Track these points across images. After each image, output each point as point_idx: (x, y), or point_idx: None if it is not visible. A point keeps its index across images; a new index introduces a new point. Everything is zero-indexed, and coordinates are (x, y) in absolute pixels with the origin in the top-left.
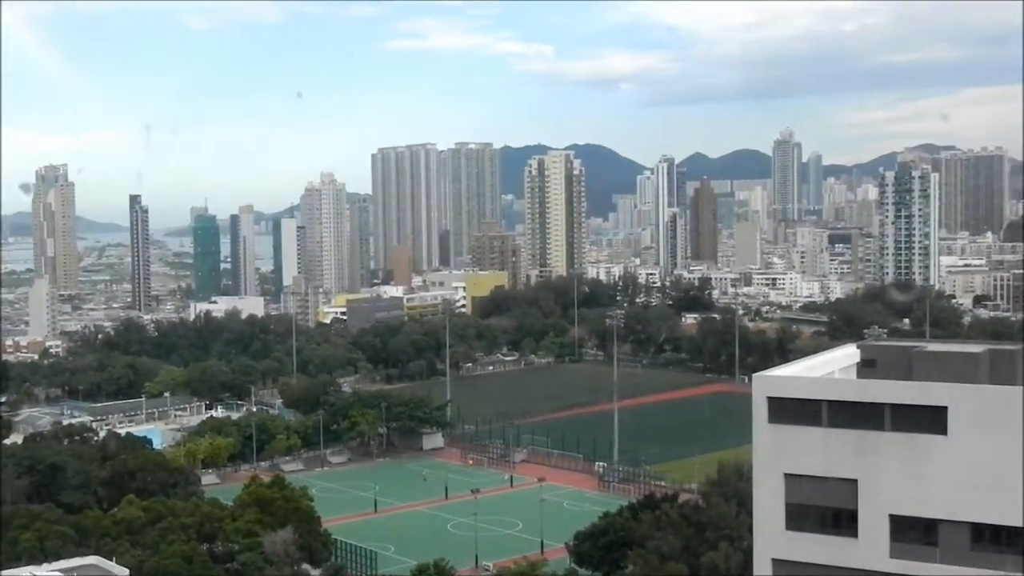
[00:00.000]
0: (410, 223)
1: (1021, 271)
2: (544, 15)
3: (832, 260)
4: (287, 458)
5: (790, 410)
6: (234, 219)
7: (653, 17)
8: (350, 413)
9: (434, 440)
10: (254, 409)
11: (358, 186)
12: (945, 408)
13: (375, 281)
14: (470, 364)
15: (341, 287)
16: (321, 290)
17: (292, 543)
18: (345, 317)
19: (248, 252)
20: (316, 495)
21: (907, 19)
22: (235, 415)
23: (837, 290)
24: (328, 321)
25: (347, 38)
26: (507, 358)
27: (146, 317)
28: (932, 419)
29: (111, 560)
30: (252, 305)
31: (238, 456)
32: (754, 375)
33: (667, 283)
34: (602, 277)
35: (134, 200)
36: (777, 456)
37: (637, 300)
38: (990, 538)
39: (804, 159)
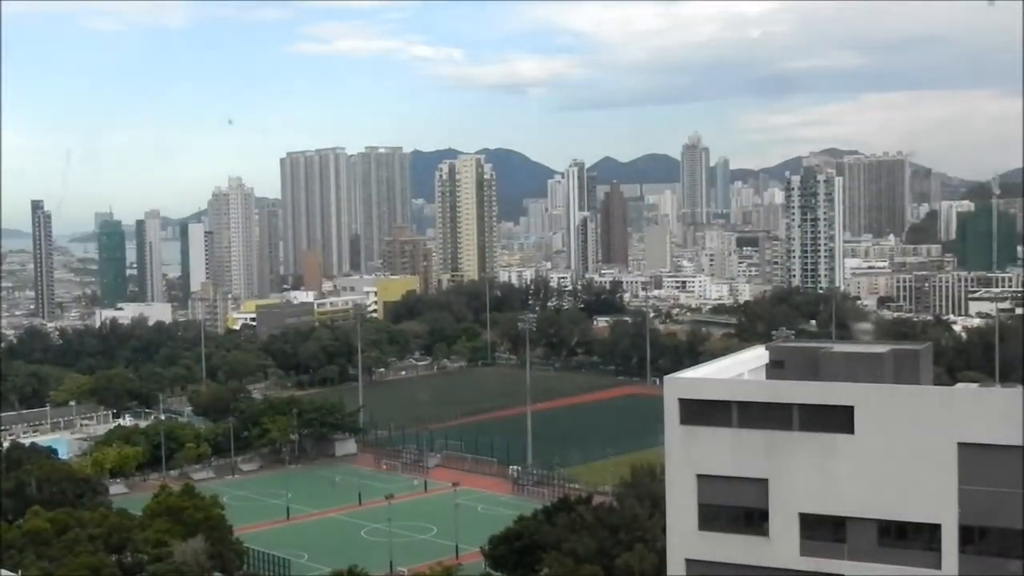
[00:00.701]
0: (320, 228)
1: (923, 273)
2: (452, 19)
3: (740, 263)
4: (197, 466)
5: (701, 411)
6: (140, 224)
7: (561, 22)
8: (261, 420)
9: (347, 446)
10: (163, 417)
11: (267, 191)
12: (852, 407)
13: (285, 286)
14: (382, 369)
15: (250, 293)
16: (230, 296)
17: (203, 552)
18: (255, 323)
19: (155, 258)
20: (227, 503)
21: (811, 26)
22: (143, 423)
23: (746, 292)
24: (237, 327)
25: (254, 41)
26: (419, 363)
27: (50, 324)
28: (839, 418)
29: (16, 573)
30: (159, 312)
31: (147, 465)
32: (665, 377)
33: (579, 286)
34: (514, 281)
35: (36, 205)
36: (689, 457)
37: (549, 304)
38: (896, 534)
39: (712, 163)
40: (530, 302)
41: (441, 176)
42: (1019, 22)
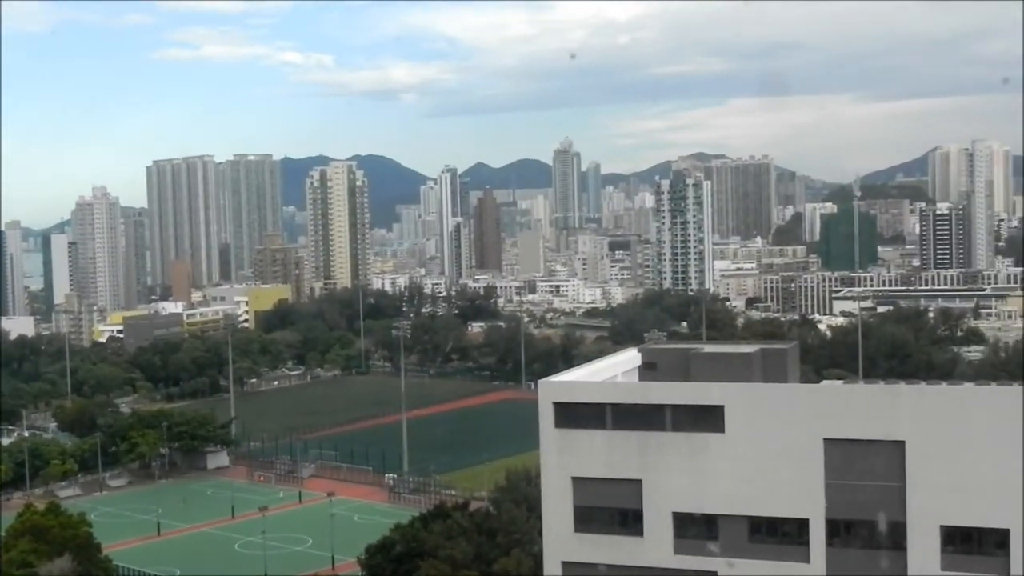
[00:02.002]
0: (188, 237)
1: (789, 273)
2: (322, 25)
3: (613, 266)
4: (63, 483)
5: (575, 414)
6: None
7: (432, 28)
8: (129, 434)
9: (219, 459)
10: (26, 434)
11: (133, 200)
12: (722, 407)
13: (153, 297)
14: (255, 380)
15: (117, 304)
16: (95, 308)
17: (70, 572)
18: (122, 335)
19: (16, 269)
20: (95, 520)
21: (678, 32)
22: (6, 440)
23: (618, 295)
24: (104, 340)
25: (120, 47)
26: (293, 372)
27: None
28: (710, 418)
29: None
30: (21, 325)
31: (10, 483)
32: (540, 381)
33: (453, 292)
34: (387, 288)
35: None
36: (564, 460)
37: (423, 310)
38: (767, 530)
39: (583, 168)
40: (404, 309)
41: (312, 183)
42: (870, 28)
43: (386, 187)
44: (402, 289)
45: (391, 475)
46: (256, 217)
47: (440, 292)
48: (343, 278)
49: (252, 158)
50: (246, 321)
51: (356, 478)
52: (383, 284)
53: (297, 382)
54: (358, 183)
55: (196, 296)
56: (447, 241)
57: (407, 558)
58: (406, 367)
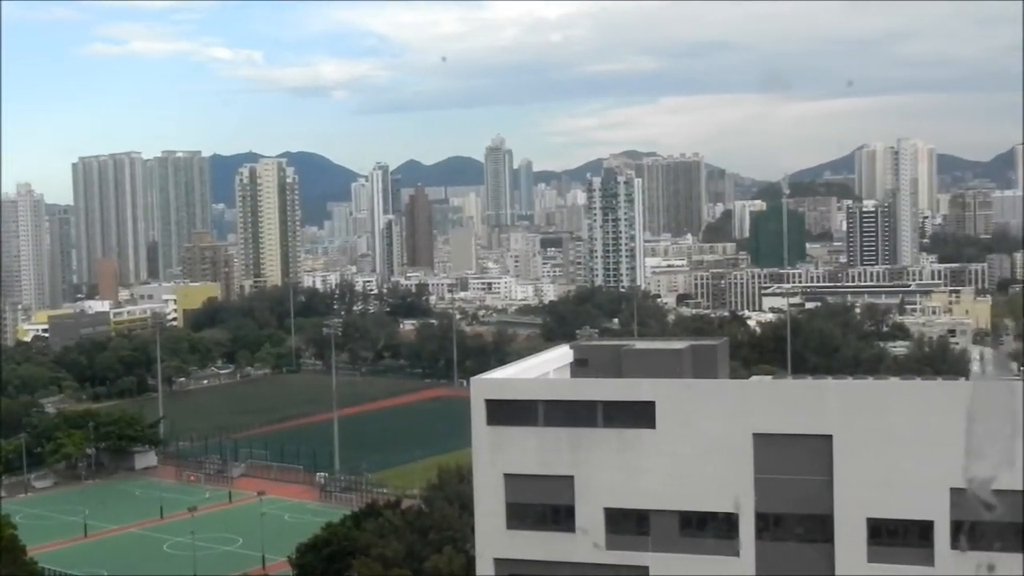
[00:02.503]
0: (115, 235)
1: (719, 270)
2: (251, 21)
3: (545, 264)
4: None
5: (508, 411)
6: None
7: (363, 25)
8: (55, 435)
9: (147, 458)
10: None
11: (59, 197)
12: (653, 403)
13: (79, 296)
14: (183, 379)
15: (42, 303)
16: (20, 307)
17: None
18: (47, 334)
19: None
20: (20, 523)
21: (609, 30)
22: None
23: (550, 292)
24: (28, 339)
25: (44, 42)
26: (222, 371)
27: None
28: (641, 414)
29: None
30: None
31: None
32: (472, 378)
33: (384, 290)
34: (319, 286)
35: None
36: (496, 457)
37: (355, 308)
38: (697, 525)
39: (515, 165)
40: (335, 307)
41: (242, 180)
42: (800, 29)
43: (317, 184)
44: (333, 287)
45: (322, 474)
46: (185, 214)
47: (372, 290)
48: (273, 276)
49: (180, 155)
50: (175, 319)
51: (287, 477)
52: (314, 282)
53: (227, 381)
54: (288, 180)
55: (123, 295)
56: (379, 238)
57: (339, 557)
58: (337, 365)
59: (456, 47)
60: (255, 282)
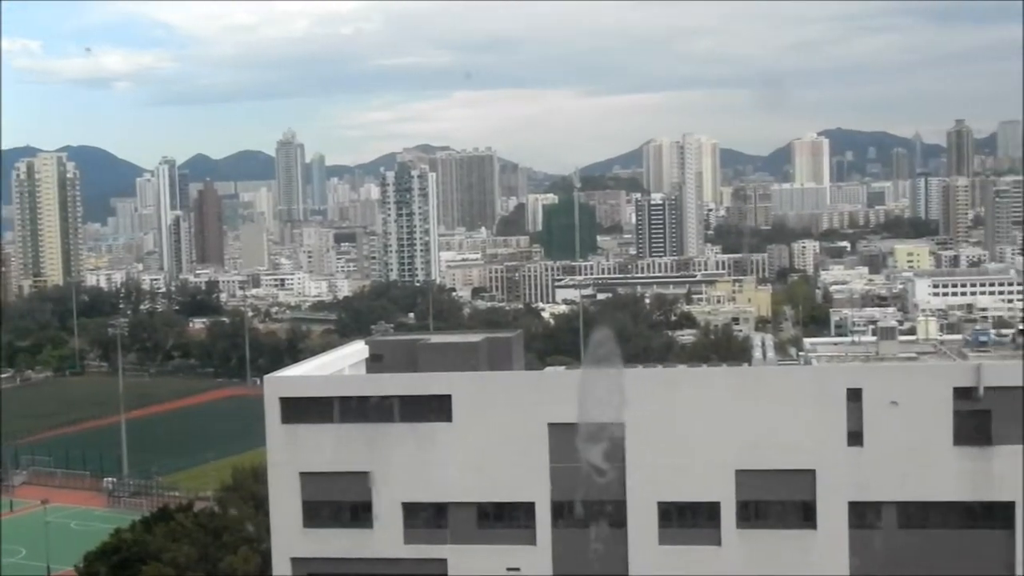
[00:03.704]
0: None
1: (513, 263)
2: (27, 9)
3: (339, 259)
4: None
5: (303, 409)
6: None
7: (148, 15)
8: None
9: None
10: None
11: None
12: (449, 396)
13: None
14: None
15: None
16: None
17: None
18: None
19: None
20: None
21: (401, 24)
22: None
23: (345, 288)
24: None
25: None
26: (1, 375)
27: None
28: (438, 408)
29: None
30: None
31: None
32: (265, 376)
33: (173, 288)
34: (103, 284)
35: None
36: (291, 456)
37: (142, 307)
38: (494, 515)
39: (307, 160)
40: (121, 306)
41: (19, 176)
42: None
43: (100, 179)
44: (118, 286)
45: (110, 479)
46: None
47: (159, 288)
48: (54, 275)
49: None
50: None
51: (72, 484)
52: (98, 281)
53: (6, 385)
54: (69, 175)
55: None
56: (166, 235)
57: (129, 563)
58: (125, 366)
59: (245, 38)
60: (35, 282)
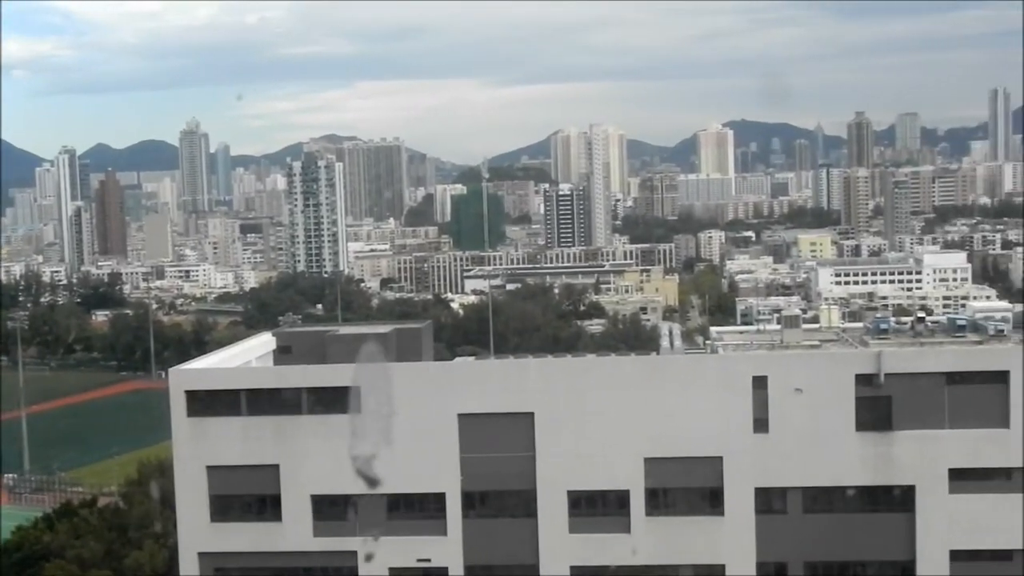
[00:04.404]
0: None
1: (422, 254)
2: None
3: (245, 250)
4: None
5: (209, 402)
6: None
7: (44, 1)
8: None
9: None
10: None
11: None
12: (358, 388)
13: None
14: None
15: None
16: None
17: None
18: None
19: None
20: None
21: (306, 13)
22: None
23: (251, 279)
24: None
25: None
26: None
27: None
28: (346, 399)
29: None
30: None
31: None
32: (170, 369)
33: (74, 280)
34: (2, 277)
35: None
36: (198, 449)
37: (42, 299)
38: (404, 506)
39: (212, 149)
40: (21, 299)
41: None
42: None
43: None
44: (17, 278)
45: (10, 475)
46: None
47: (60, 280)
48: None
49: None
50: None
51: None
52: None
53: None
54: None
55: None
56: (67, 226)
57: (31, 561)
58: (25, 360)
59: (147, 26)
60: None
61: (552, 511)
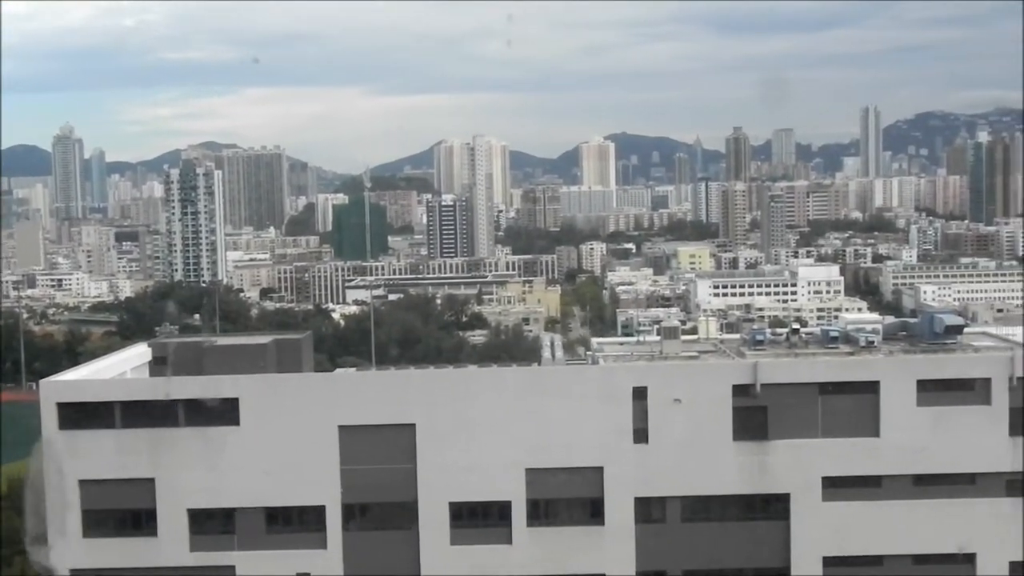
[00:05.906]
0: None
1: (303, 264)
2: None
3: (120, 258)
4: None
5: (82, 414)
6: None
7: None
8: None
9: None
10: None
11: None
12: (236, 399)
13: None
14: None
15: None
16: None
17: None
18: None
19: None
20: None
21: (185, 18)
22: None
23: (127, 289)
24: None
25: None
26: None
27: None
28: (225, 411)
29: None
30: None
31: None
32: (42, 381)
33: None
34: None
35: None
36: (70, 463)
37: None
38: (283, 520)
39: (87, 155)
40: None
41: None
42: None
43: None
44: None
45: None
46: None
47: None
48: None
49: None
50: None
51: None
52: None
53: None
54: None
55: None
56: None
57: None
58: None
59: (20, 28)
60: None
61: (433, 523)
